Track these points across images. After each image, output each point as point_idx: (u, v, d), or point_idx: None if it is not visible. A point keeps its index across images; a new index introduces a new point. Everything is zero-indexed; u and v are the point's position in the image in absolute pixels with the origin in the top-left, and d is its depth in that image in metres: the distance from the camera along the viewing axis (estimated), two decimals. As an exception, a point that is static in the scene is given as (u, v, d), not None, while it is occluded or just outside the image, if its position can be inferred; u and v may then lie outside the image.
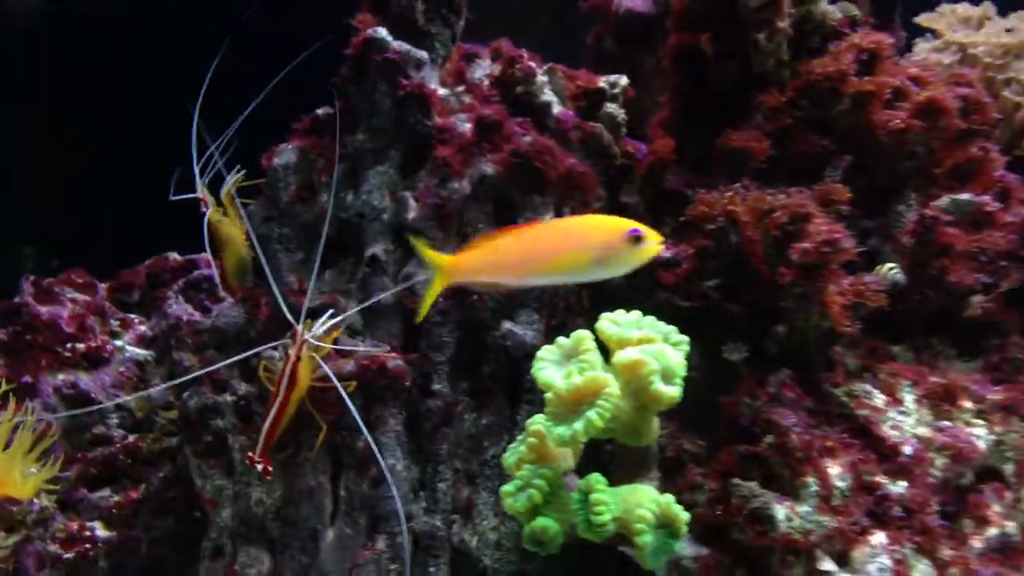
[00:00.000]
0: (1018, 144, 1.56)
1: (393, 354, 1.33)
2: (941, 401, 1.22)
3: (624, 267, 1.05)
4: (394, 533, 1.29)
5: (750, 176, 1.38)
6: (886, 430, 1.19)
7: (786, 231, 1.21)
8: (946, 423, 1.21)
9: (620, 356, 1.12)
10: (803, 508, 1.14)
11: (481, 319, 1.35)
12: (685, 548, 1.19)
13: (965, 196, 1.35)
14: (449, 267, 1.07)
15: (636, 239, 1.02)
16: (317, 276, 1.38)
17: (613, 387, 1.09)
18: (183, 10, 2.23)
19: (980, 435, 1.21)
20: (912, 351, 1.33)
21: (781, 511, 1.14)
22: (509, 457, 1.19)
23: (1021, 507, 1.20)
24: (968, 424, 1.22)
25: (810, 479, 1.15)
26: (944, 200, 1.35)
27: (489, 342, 1.35)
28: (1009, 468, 1.22)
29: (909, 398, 1.23)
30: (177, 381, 1.50)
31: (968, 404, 1.23)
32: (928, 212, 1.32)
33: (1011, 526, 1.17)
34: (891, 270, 1.31)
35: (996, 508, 1.18)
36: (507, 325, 1.34)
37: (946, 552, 1.13)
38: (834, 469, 1.15)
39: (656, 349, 1.12)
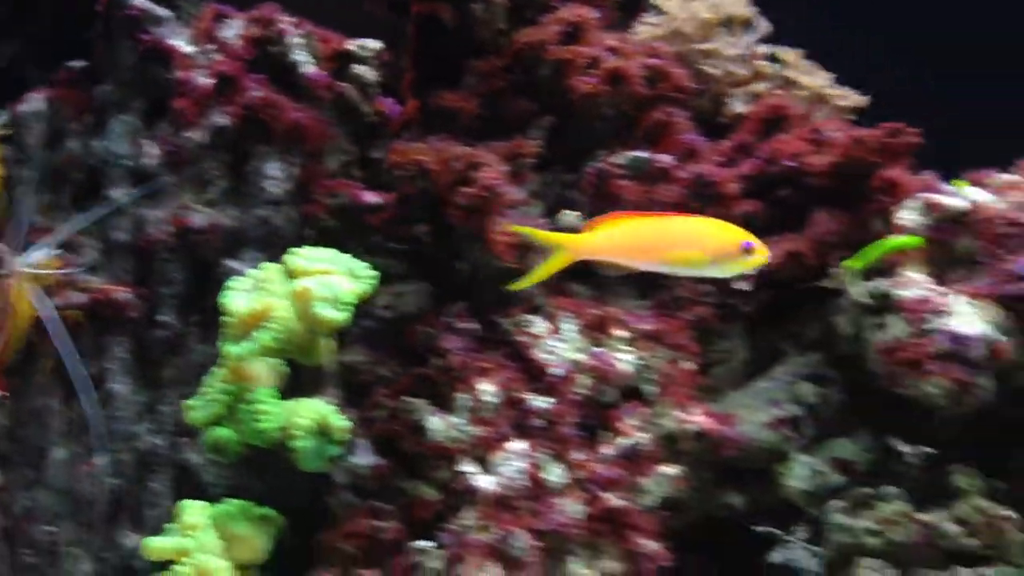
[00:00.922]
0: (719, 112, 1.74)
1: (122, 287, 1.46)
2: (596, 330, 1.40)
3: (730, 272, 1.19)
4: (117, 451, 1.42)
5: (463, 133, 1.53)
6: (541, 354, 1.36)
7: (461, 178, 1.36)
8: (598, 349, 1.38)
9: (294, 284, 1.27)
10: (455, 420, 1.31)
11: (207, 256, 1.49)
12: (364, 459, 1.35)
13: (643, 153, 1.53)
14: (575, 245, 1.17)
15: (748, 251, 1.16)
16: (63, 218, 1.50)
17: (283, 311, 1.24)
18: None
19: (627, 360, 1.39)
20: (594, 289, 1.50)
21: (436, 422, 1.31)
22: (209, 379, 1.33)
23: (656, 421, 1.38)
24: (617, 350, 1.39)
25: (464, 395, 1.31)
26: (622, 156, 1.52)
27: (214, 277, 1.48)
28: (651, 389, 1.40)
29: (568, 327, 1.40)
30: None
31: (620, 333, 1.40)
32: (603, 166, 1.49)
33: (644, 437, 1.35)
34: (567, 215, 1.48)
35: (633, 422, 1.36)
36: (230, 262, 1.48)
37: (577, 457, 1.30)
38: (487, 387, 1.31)
39: (330, 280, 1.28)
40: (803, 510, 1.49)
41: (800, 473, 1.47)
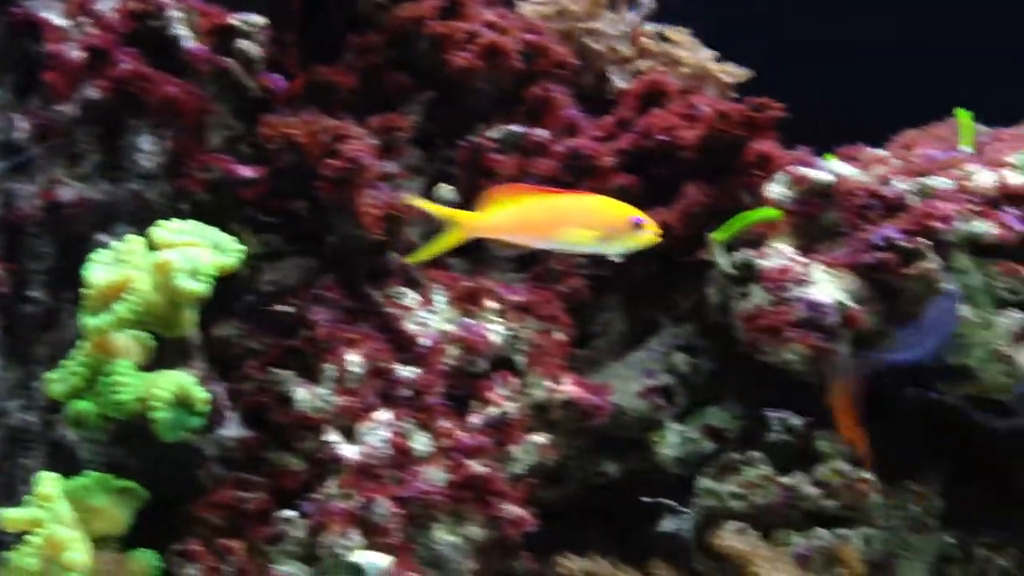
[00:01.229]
0: (604, 89, 1.76)
1: (-9, 263, 1.44)
2: (467, 302, 1.41)
3: (620, 249, 1.20)
4: (-14, 426, 1.41)
5: (342, 108, 1.54)
6: (410, 326, 1.37)
7: (328, 150, 1.37)
8: (469, 320, 1.40)
9: (154, 256, 1.26)
10: (321, 390, 1.32)
11: (78, 231, 1.47)
12: (232, 431, 1.35)
13: (518, 128, 1.54)
14: (468, 222, 1.16)
15: (637, 226, 1.15)
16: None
17: (143, 283, 1.24)
18: None
19: (497, 331, 1.40)
20: (470, 263, 1.52)
21: (302, 393, 1.31)
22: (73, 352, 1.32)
23: (526, 391, 1.40)
24: (488, 321, 1.41)
25: (330, 366, 1.32)
26: (497, 130, 1.54)
27: (85, 252, 1.47)
28: (521, 359, 1.42)
29: (440, 299, 1.41)
30: None
31: (492, 304, 1.42)
32: (477, 140, 1.51)
33: (512, 407, 1.37)
34: (443, 189, 1.49)
35: (501, 392, 1.37)
36: (102, 237, 1.47)
37: (443, 426, 1.32)
38: (353, 357, 1.32)
39: (192, 252, 1.27)
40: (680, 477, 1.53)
41: (672, 441, 1.51)
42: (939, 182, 1.44)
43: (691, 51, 1.82)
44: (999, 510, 1.52)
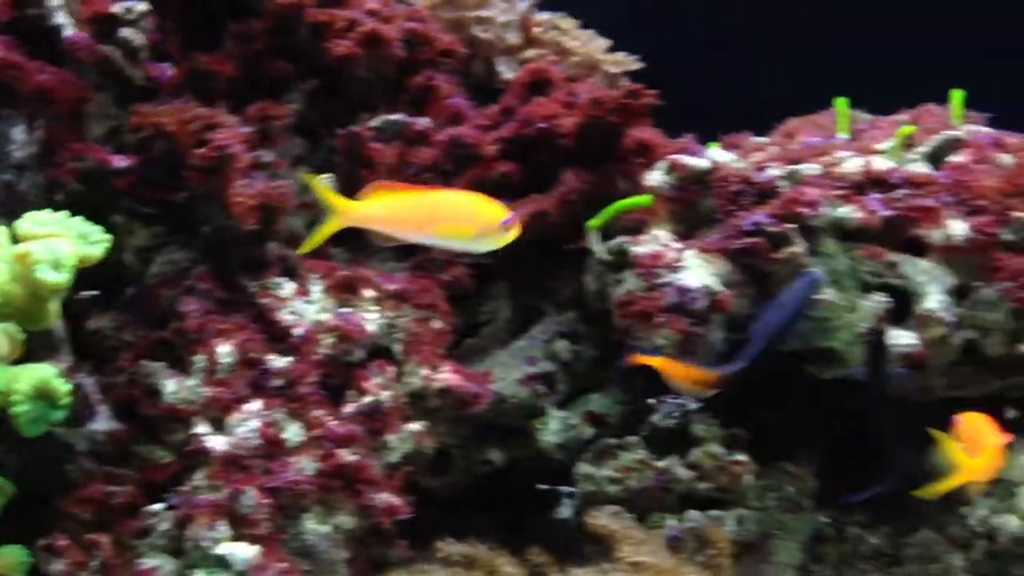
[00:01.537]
0: (493, 78, 1.76)
1: None
2: (344, 291, 1.41)
3: (487, 247, 1.19)
4: None
5: (223, 97, 1.52)
6: (283, 316, 1.37)
7: (198, 140, 1.35)
8: (345, 310, 1.40)
9: (14, 248, 1.24)
10: (191, 382, 1.31)
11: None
12: (102, 424, 1.34)
13: (397, 116, 1.54)
14: (346, 210, 1.15)
15: (507, 226, 1.17)
16: None
17: (0, 274, 1.22)
18: None
19: (372, 319, 1.40)
20: (351, 252, 1.52)
21: (171, 385, 1.30)
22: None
23: (404, 380, 1.41)
24: (364, 310, 1.41)
25: (200, 357, 1.31)
26: (378, 120, 1.53)
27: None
28: (398, 347, 1.42)
29: (317, 289, 1.41)
30: None
31: (368, 293, 1.42)
32: (355, 129, 1.51)
33: (387, 395, 1.37)
34: (322, 179, 1.48)
35: (377, 380, 1.38)
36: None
37: (315, 416, 1.31)
38: (224, 348, 1.32)
39: (53, 243, 1.25)
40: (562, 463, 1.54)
41: (554, 427, 1.52)
42: (808, 168, 1.47)
43: (582, 40, 1.84)
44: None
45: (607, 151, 1.53)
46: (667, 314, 1.38)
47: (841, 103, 1.62)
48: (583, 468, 1.47)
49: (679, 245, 1.44)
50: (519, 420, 1.53)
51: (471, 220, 1.17)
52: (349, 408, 1.35)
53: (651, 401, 1.52)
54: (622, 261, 1.45)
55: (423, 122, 1.55)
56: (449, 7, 1.76)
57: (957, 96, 1.60)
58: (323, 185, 1.20)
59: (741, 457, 1.46)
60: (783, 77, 2.37)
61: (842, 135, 1.61)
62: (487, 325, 1.66)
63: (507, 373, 1.53)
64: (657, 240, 1.45)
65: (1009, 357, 1.42)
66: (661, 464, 1.44)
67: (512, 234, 1.19)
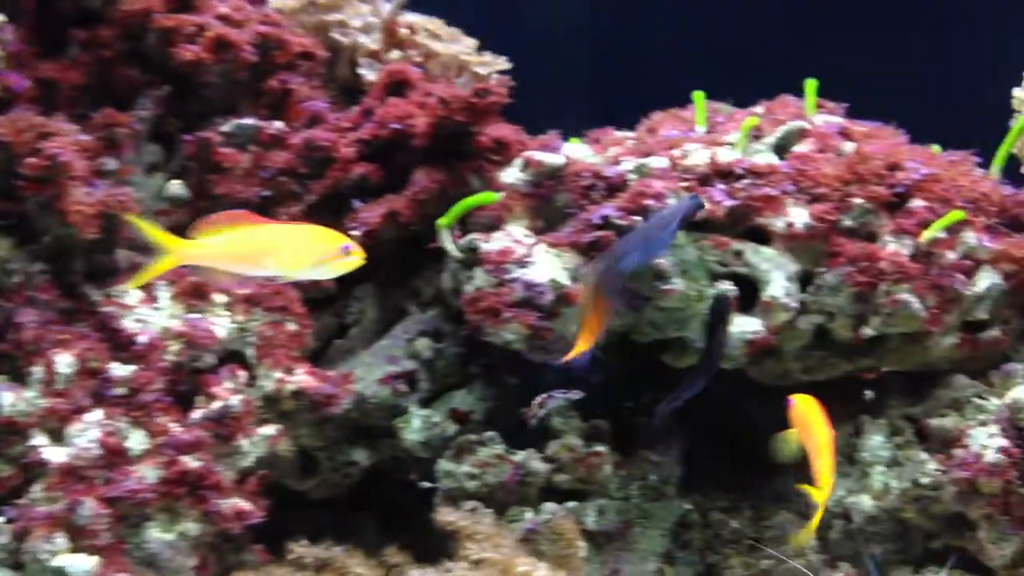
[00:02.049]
0: (357, 80, 1.76)
1: None
2: (193, 297, 1.40)
3: (330, 274, 1.18)
4: None
5: (67, 105, 1.51)
6: (127, 324, 1.35)
7: (31, 149, 1.33)
8: (193, 315, 1.39)
9: None
10: (28, 394, 1.29)
11: None
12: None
13: (249, 120, 1.54)
14: (177, 249, 1.13)
15: (347, 252, 1.15)
16: None
17: None
18: None
19: (223, 324, 1.40)
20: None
21: (8, 397, 1.28)
22: None
23: (257, 384, 1.40)
24: (215, 315, 1.40)
25: (38, 368, 1.30)
26: (228, 124, 1.53)
27: None
28: (250, 351, 1.41)
29: (165, 295, 1.40)
30: None
31: (219, 298, 1.41)
32: (205, 134, 1.50)
33: (237, 399, 1.36)
34: (173, 185, 1.47)
35: (227, 385, 1.37)
36: None
37: (159, 423, 1.30)
38: (63, 358, 1.30)
39: None
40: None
41: (416, 426, 1.52)
42: (656, 162, 1.49)
43: (448, 42, 1.84)
44: (735, 474, 1.59)
45: (460, 150, 1.54)
46: (515, 309, 1.39)
47: (698, 96, 1.64)
48: (444, 465, 1.48)
49: (531, 240, 1.45)
50: (383, 420, 1.53)
51: (308, 250, 1.17)
52: (197, 414, 1.34)
53: (540, 397, 1.53)
54: (473, 258, 1.46)
55: (277, 125, 1.55)
56: (308, 11, 1.76)
57: (810, 86, 1.63)
58: (150, 224, 1.18)
59: (600, 448, 1.47)
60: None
61: (700, 128, 1.64)
62: (354, 326, 1.66)
63: (369, 373, 1.53)
64: (509, 236, 1.46)
65: (856, 340, 1.45)
66: (517, 458, 1.45)
67: (356, 260, 1.18)
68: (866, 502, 1.46)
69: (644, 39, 2.53)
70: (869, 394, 1.56)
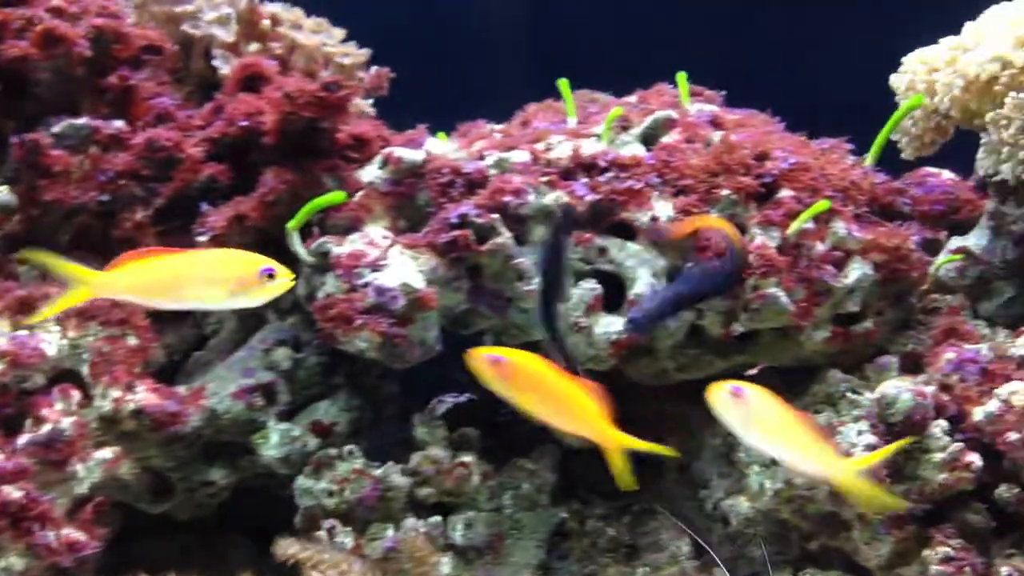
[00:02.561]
0: (215, 75, 1.67)
1: None
2: (19, 313, 1.30)
3: (257, 300, 1.09)
4: None
5: None
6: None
7: None
8: (20, 333, 1.29)
9: None
10: None
11: None
12: None
13: (83, 120, 1.44)
14: (91, 282, 1.07)
15: (270, 276, 1.07)
16: None
17: None
18: None
19: (53, 341, 1.30)
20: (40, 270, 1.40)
21: None
22: None
23: (94, 404, 1.31)
24: (45, 331, 1.30)
25: None
26: (60, 124, 1.42)
27: None
28: (85, 369, 1.32)
29: (-14, 312, 1.30)
30: None
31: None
32: (32, 136, 1.39)
33: (69, 422, 1.26)
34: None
35: (59, 407, 1.27)
36: None
37: (-23, 452, 1.21)
38: None
39: None
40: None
41: (275, 441, 1.43)
42: (517, 156, 1.42)
43: (313, 33, 1.75)
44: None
45: (315, 147, 1.46)
46: (366, 315, 1.32)
47: (564, 85, 1.57)
48: (301, 482, 1.40)
49: (387, 242, 1.38)
50: (239, 436, 1.45)
51: (224, 278, 1.09)
52: (22, 439, 1.24)
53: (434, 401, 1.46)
54: (324, 263, 1.38)
55: (116, 125, 1.45)
56: (158, 1, 1.66)
57: (682, 77, 1.58)
58: (61, 261, 1.09)
59: (467, 458, 1.41)
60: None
61: (571, 119, 1.58)
62: (213, 337, 1.57)
63: (222, 387, 1.44)
64: (364, 238, 1.38)
65: (728, 337, 1.40)
66: (377, 472, 1.37)
67: (285, 282, 1.10)
68: (743, 504, 1.42)
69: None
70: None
